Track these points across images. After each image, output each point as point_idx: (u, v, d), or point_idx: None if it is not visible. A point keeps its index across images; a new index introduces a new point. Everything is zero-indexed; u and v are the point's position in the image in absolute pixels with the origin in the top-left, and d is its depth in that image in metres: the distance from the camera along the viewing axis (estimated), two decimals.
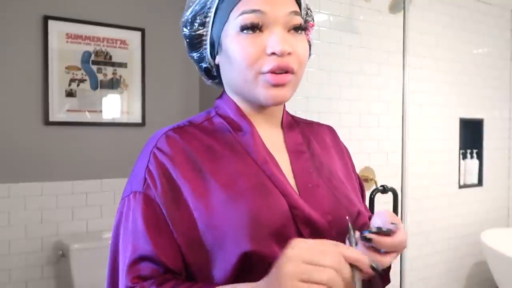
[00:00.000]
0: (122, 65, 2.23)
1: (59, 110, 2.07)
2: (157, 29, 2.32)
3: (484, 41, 2.70)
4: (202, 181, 0.62)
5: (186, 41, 0.72)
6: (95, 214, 2.16)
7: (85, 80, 2.13)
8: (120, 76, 2.23)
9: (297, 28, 0.66)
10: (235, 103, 0.71)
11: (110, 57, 2.20)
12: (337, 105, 2.06)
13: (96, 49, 2.16)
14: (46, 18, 2.03)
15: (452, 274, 2.58)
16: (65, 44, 2.08)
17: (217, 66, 0.72)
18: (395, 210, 1.84)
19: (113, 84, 2.21)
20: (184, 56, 2.38)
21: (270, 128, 0.72)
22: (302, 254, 0.48)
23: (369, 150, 2.13)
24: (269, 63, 0.62)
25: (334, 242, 0.50)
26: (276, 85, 0.63)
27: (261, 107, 0.70)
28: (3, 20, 1.96)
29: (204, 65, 0.74)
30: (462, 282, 2.63)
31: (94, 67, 2.16)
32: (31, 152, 2.02)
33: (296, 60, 0.64)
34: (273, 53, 0.62)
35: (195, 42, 0.71)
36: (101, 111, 2.17)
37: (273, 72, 0.62)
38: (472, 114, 2.66)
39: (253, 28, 0.63)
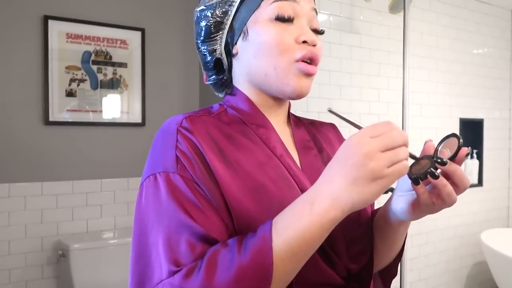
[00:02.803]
0: (122, 65, 2.23)
1: (59, 110, 2.07)
2: (157, 29, 2.32)
3: (484, 41, 2.70)
4: (227, 167, 0.60)
5: (202, 29, 0.70)
6: (95, 214, 2.16)
7: (85, 80, 2.13)
8: (120, 76, 2.23)
9: (316, 31, 0.69)
10: (248, 97, 0.70)
11: (110, 57, 2.20)
12: (337, 105, 2.06)
13: (96, 49, 2.16)
14: (46, 18, 2.03)
15: (452, 274, 2.58)
16: (65, 44, 2.08)
17: (230, 59, 0.71)
18: None
19: (113, 84, 2.21)
20: (184, 56, 2.39)
21: (278, 124, 0.71)
22: (375, 145, 0.48)
23: None
24: (303, 50, 0.64)
25: (386, 122, 0.51)
26: (306, 74, 0.65)
27: (274, 102, 0.70)
28: (3, 20, 1.96)
29: (215, 57, 0.72)
30: (462, 282, 2.63)
31: (94, 67, 2.16)
32: (31, 152, 2.02)
33: (318, 53, 0.67)
34: (305, 42, 0.65)
35: (212, 31, 0.69)
36: (101, 111, 2.17)
37: (305, 60, 0.65)
38: (472, 114, 2.66)
39: (288, 20, 0.65)
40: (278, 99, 0.70)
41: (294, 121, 0.76)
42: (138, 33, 2.26)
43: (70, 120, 2.09)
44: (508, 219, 2.86)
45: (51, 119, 2.04)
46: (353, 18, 2.12)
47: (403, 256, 0.73)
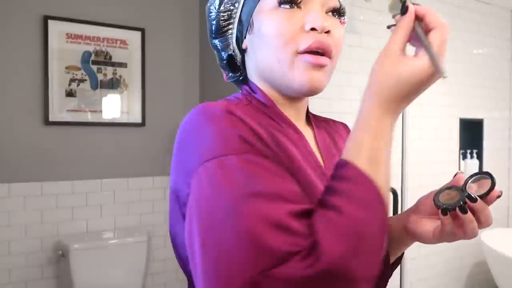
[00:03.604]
0: (122, 65, 2.23)
1: (59, 110, 2.07)
2: (157, 29, 2.32)
3: (484, 41, 2.70)
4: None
5: (212, 24, 0.66)
6: (95, 214, 2.16)
7: (85, 80, 2.13)
8: (120, 76, 2.22)
9: (335, 12, 0.62)
10: (268, 95, 0.63)
11: (110, 57, 2.20)
12: (337, 105, 2.06)
13: (96, 49, 2.16)
14: (46, 18, 2.03)
15: (452, 274, 2.58)
16: (65, 44, 2.08)
17: (242, 55, 0.67)
18: (395, 210, 1.84)
19: (113, 84, 2.21)
20: (184, 56, 2.39)
21: (300, 127, 0.65)
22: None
23: None
24: (308, 40, 0.57)
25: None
26: (314, 66, 0.57)
27: (290, 99, 0.64)
28: (3, 20, 1.96)
29: (228, 52, 0.67)
30: (462, 282, 2.63)
31: (94, 67, 2.16)
32: (31, 152, 2.02)
33: (333, 43, 0.59)
34: (313, 29, 0.57)
35: (222, 26, 0.65)
36: (101, 111, 2.17)
37: (311, 50, 0.57)
38: (472, 114, 2.66)
39: (292, 2, 0.58)
40: (296, 97, 0.64)
41: (314, 122, 0.71)
42: (138, 33, 2.26)
43: (70, 120, 2.09)
44: (508, 219, 2.86)
45: (51, 119, 2.04)
46: (353, 18, 2.12)
47: (403, 256, 0.73)
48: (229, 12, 0.64)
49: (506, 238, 2.53)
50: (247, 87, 0.66)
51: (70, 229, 2.09)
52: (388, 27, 0.56)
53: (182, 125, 0.54)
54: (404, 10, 0.49)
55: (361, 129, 0.49)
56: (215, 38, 0.67)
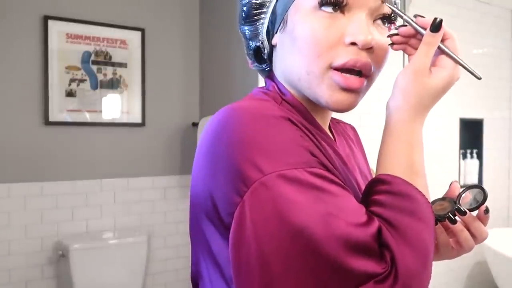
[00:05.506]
0: (122, 65, 2.23)
1: (59, 110, 2.07)
2: (157, 29, 2.32)
3: (484, 41, 2.70)
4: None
5: (243, 9, 0.60)
6: (95, 214, 2.16)
7: (85, 80, 2.13)
8: (120, 76, 2.22)
9: (386, 19, 0.54)
10: (298, 100, 0.58)
11: (110, 57, 2.20)
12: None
13: (96, 49, 2.16)
14: (46, 18, 2.03)
15: (452, 274, 2.58)
16: (65, 44, 2.08)
17: (271, 49, 0.60)
18: None
19: (113, 84, 2.21)
20: (184, 56, 2.39)
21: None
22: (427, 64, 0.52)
23: (369, 150, 2.13)
24: (345, 55, 0.51)
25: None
26: (345, 89, 0.52)
27: (317, 106, 0.58)
28: (3, 20, 1.96)
29: (255, 43, 0.61)
30: (462, 282, 2.63)
31: (94, 67, 2.16)
32: (31, 152, 2.02)
33: (375, 59, 0.53)
34: (353, 43, 0.51)
35: (253, 13, 0.58)
36: (101, 111, 2.17)
37: (346, 68, 0.51)
38: (472, 114, 2.66)
39: (336, 4, 0.51)
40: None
41: (333, 128, 0.68)
42: (138, 33, 2.26)
43: (70, 120, 2.09)
44: (508, 219, 2.86)
45: (51, 119, 2.04)
46: None
47: None
48: (262, 1, 0.57)
49: (506, 238, 2.53)
50: (274, 85, 0.60)
51: (70, 229, 2.09)
52: (390, 36, 0.55)
53: (225, 125, 0.47)
54: (437, 29, 0.51)
55: (397, 142, 0.51)
56: (244, 25, 0.61)
